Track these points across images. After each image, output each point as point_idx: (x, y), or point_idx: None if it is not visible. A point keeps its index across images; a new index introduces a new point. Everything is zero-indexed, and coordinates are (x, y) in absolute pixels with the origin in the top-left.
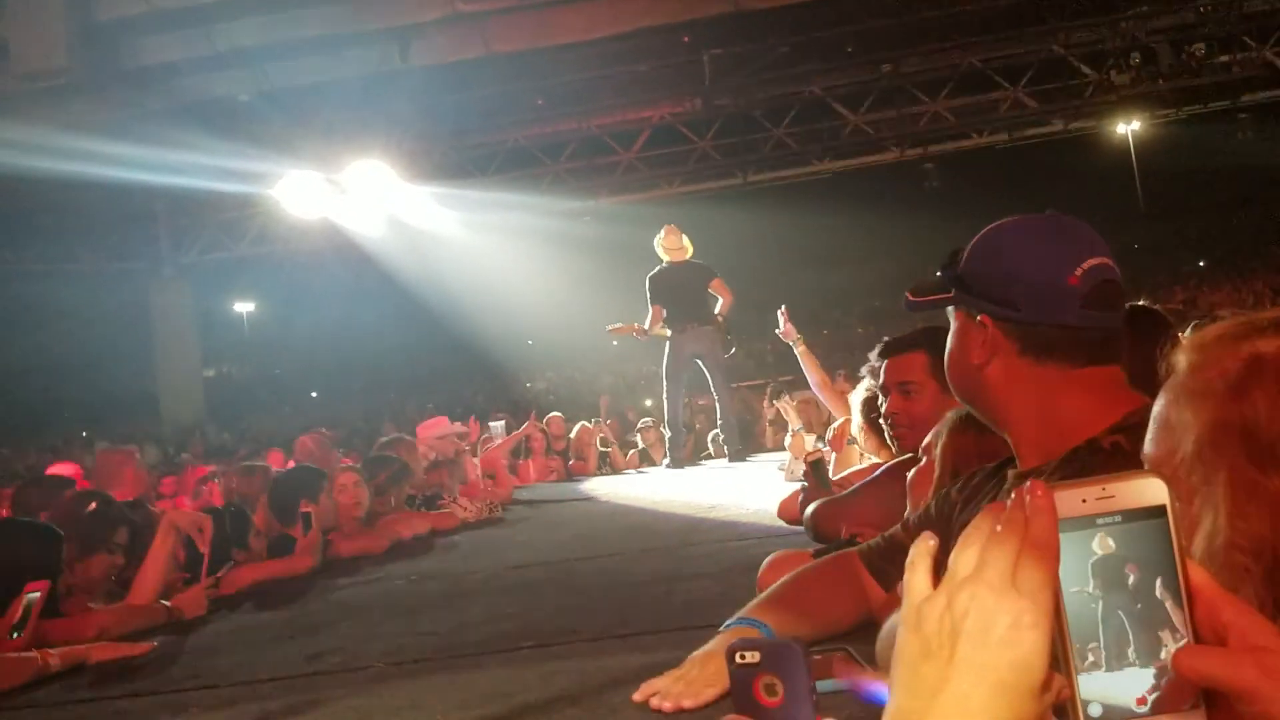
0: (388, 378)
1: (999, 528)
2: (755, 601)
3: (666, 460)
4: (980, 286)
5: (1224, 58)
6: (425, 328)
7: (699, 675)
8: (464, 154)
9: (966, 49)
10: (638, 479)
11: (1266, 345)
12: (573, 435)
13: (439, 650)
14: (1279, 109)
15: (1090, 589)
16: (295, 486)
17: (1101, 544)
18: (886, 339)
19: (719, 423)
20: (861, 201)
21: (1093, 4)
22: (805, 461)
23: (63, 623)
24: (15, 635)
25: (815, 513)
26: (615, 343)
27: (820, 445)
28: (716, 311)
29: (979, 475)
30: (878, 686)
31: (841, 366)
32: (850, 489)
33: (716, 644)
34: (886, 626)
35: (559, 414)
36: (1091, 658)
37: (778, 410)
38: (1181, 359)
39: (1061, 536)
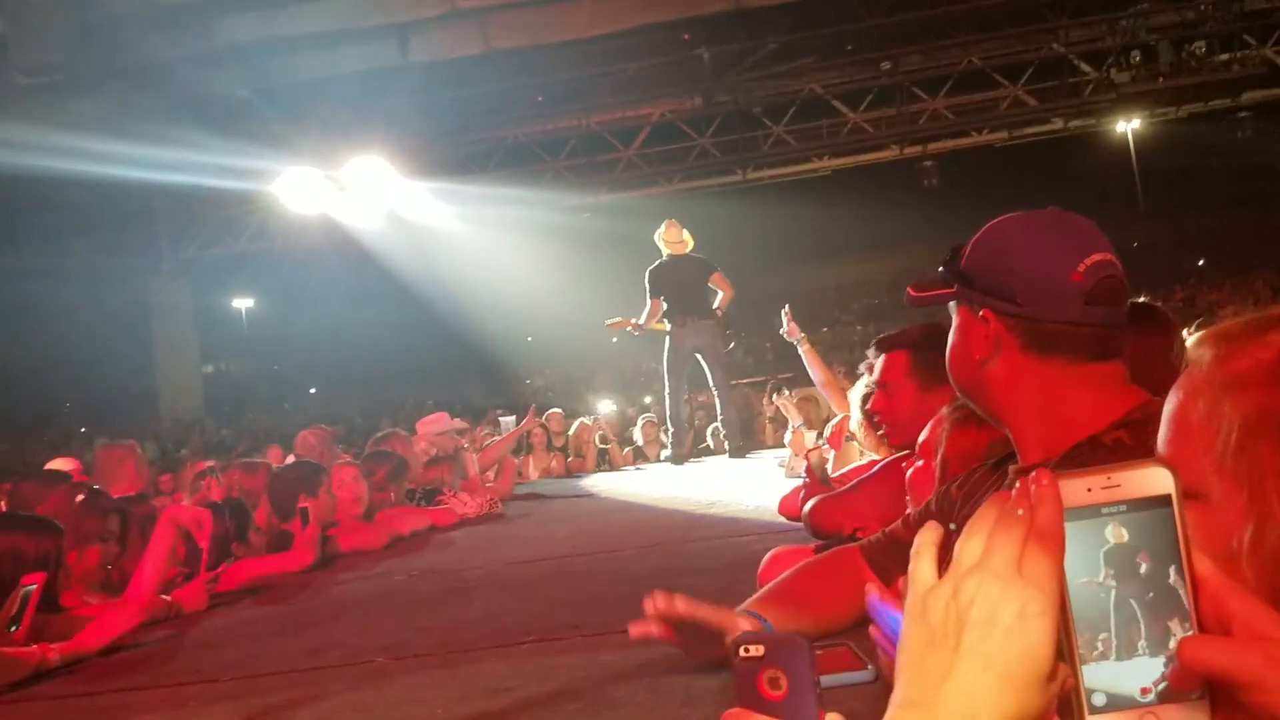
0: (387, 374)
1: (1004, 517)
2: (756, 596)
3: (667, 454)
4: (983, 282)
5: (1224, 56)
6: (424, 324)
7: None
8: (463, 150)
9: (966, 47)
10: (637, 475)
11: None
12: (571, 432)
13: (439, 645)
14: (1279, 108)
15: (1101, 579)
16: (294, 482)
17: (1115, 533)
18: (879, 336)
19: (719, 418)
20: (861, 199)
21: (1093, 2)
22: (805, 458)
23: (61, 617)
24: (12, 629)
25: (815, 509)
26: (615, 339)
27: (819, 442)
28: (716, 306)
29: (979, 471)
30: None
31: (840, 364)
32: (849, 485)
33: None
34: None
35: (559, 410)
36: (1100, 648)
37: (777, 407)
38: (1205, 353)
39: (1067, 525)
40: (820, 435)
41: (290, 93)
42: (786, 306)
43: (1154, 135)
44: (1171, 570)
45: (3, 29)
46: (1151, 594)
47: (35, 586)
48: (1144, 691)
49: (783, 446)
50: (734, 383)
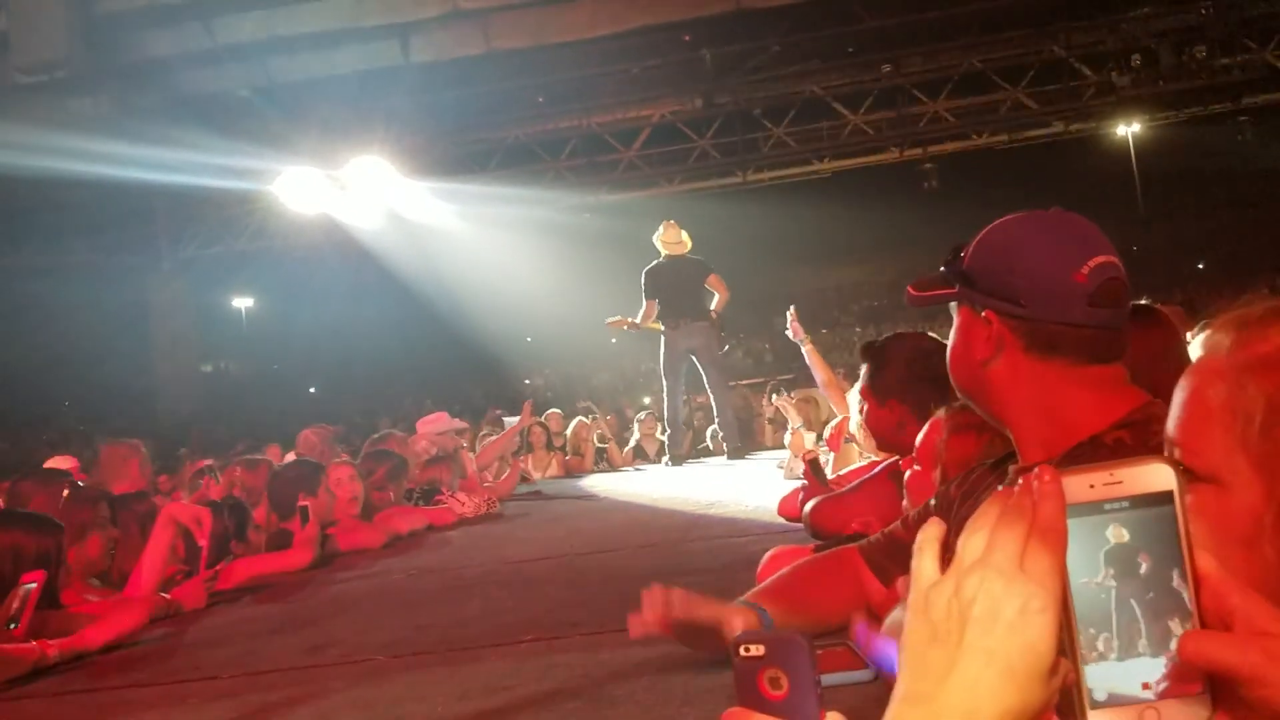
0: (387, 373)
1: (1007, 513)
2: (754, 590)
3: (665, 458)
4: (986, 282)
5: (1225, 60)
6: (424, 323)
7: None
8: (464, 150)
9: (967, 50)
10: (636, 476)
11: None
12: (569, 432)
13: (438, 643)
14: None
15: (1101, 579)
16: (294, 480)
17: (1115, 533)
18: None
19: (716, 419)
20: (861, 201)
21: (1093, 5)
22: (804, 459)
23: (61, 613)
24: (12, 626)
25: (815, 509)
26: (614, 339)
27: (819, 444)
28: (711, 307)
29: (977, 470)
30: (890, 649)
31: (840, 366)
32: (848, 486)
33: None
34: (891, 618)
35: (557, 410)
36: (1101, 648)
37: (777, 408)
38: (1224, 338)
39: (1069, 522)
40: (819, 437)
41: (290, 92)
42: (792, 308)
43: (1154, 138)
44: (1173, 569)
45: (3, 26)
46: (1152, 594)
47: (35, 585)
48: (1145, 687)
49: (782, 448)
50: (733, 384)
